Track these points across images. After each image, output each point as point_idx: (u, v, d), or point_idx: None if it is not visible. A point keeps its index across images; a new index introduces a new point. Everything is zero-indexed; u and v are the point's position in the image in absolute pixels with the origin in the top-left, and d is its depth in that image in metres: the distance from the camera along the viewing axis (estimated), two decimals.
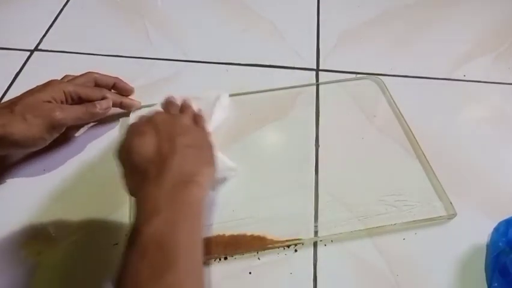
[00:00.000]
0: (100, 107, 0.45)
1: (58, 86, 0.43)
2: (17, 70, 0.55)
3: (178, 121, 0.39)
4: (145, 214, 0.31)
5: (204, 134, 0.41)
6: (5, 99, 0.52)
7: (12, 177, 0.45)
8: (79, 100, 0.44)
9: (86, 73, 0.48)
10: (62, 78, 0.47)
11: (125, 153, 0.36)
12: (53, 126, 0.41)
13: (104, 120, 0.49)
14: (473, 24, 0.61)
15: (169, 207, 0.31)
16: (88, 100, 0.45)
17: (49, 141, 0.43)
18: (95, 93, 0.46)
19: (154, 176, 0.33)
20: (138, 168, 0.34)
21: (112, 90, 0.50)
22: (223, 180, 0.43)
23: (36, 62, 0.56)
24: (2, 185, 0.44)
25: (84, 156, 0.47)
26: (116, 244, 0.40)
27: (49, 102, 0.41)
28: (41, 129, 0.40)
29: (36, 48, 0.58)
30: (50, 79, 0.44)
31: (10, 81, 0.54)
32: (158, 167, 0.34)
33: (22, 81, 0.54)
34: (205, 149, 0.39)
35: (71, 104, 0.44)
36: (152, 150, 0.35)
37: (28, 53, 0.57)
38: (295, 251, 0.40)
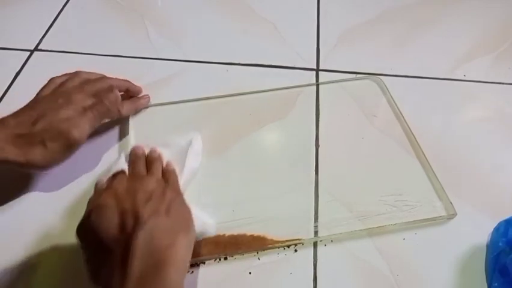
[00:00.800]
0: (108, 101, 0.43)
1: (79, 103, 0.41)
2: (17, 70, 0.55)
3: (143, 185, 0.34)
4: None
5: (175, 195, 0.35)
6: (5, 99, 0.52)
7: (12, 176, 0.45)
8: None
9: (101, 79, 0.46)
10: (74, 74, 0.46)
11: (85, 231, 0.31)
12: (71, 146, 0.40)
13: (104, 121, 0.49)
14: (473, 24, 0.61)
15: None
16: None
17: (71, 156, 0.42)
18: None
19: (119, 263, 0.28)
20: (101, 250, 0.30)
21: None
22: (200, 236, 0.38)
23: (36, 62, 0.56)
24: (2, 184, 0.44)
25: (86, 155, 0.46)
26: None
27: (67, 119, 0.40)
28: (60, 152, 0.40)
29: (36, 48, 0.58)
30: (68, 88, 0.43)
31: (10, 81, 0.54)
32: (123, 249, 0.29)
33: (22, 81, 0.54)
34: (178, 213, 0.34)
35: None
36: (115, 227, 0.30)
37: (28, 53, 0.57)
38: (295, 251, 0.40)
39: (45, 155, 0.39)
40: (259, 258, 0.39)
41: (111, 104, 0.43)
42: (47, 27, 0.61)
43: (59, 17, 0.63)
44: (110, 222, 0.30)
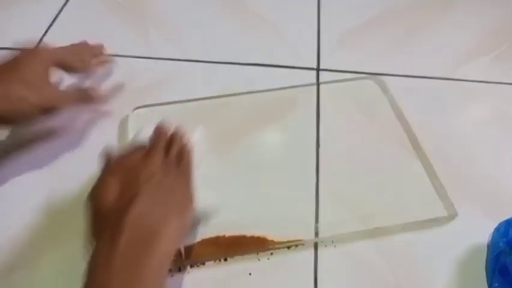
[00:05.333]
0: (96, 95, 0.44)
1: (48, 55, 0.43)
2: None
3: (151, 162, 0.35)
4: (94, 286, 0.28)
5: (180, 179, 0.36)
6: None
7: (13, 176, 0.45)
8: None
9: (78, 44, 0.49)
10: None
11: (90, 196, 0.33)
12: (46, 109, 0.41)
13: (104, 121, 0.49)
14: (473, 24, 0.61)
15: (123, 274, 0.28)
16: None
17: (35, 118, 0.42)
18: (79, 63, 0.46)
19: (110, 232, 0.29)
20: (98, 218, 0.32)
21: None
22: (203, 219, 0.39)
23: None
24: (2, 184, 0.44)
25: (85, 155, 0.47)
26: None
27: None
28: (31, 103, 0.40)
29: None
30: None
31: None
32: (116, 218, 0.30)
33: None
34: (178, 194, 0.34)
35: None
36: (113, 197, 0.32)
37: None
38: (296, 252, 0.40)
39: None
40: (259, 259, 0.39)
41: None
42: (47, 27, 0.61)
43: (59, 17, 0.63)
44: (109, 192, 0.32)
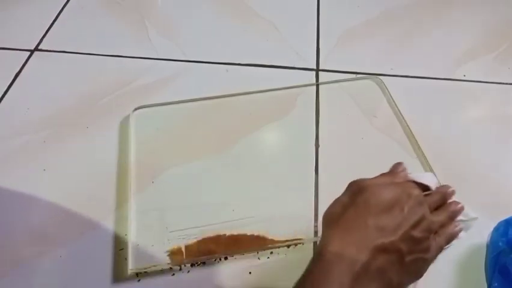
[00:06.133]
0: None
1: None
2: (17, 70, 0.55)
3: (422, 216, 0.30)
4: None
5: (429, 254, 0.31)
6: (5, 99, 0.52)
7: (13, 176, 0.45)
8: None
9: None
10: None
11: (361, 186, 0.32)
12: None
13: (104, 121, 0.50)
14: (473, 24, 0.61)
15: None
16: None
17: None
18: None
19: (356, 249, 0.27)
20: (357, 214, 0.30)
21: None
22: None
23: (36, 62, 0.56)
24: (2, 184, 0.44)
25: (85, 155, 0.47)
26: (122, 250, 0.40)
27: None
28: None
29: (36, 48, 0.58)
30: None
31: (10, 81, 0.54)
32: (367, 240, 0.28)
33: (22, 81, 0.54)
34: (412, 269, 0.30)
35: None
36: (377, 210, 0.29)
37: (28, 53, 0.57)
38: (296, 250, 0.40)
39: None
40: (259, 258, 0.39)
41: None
42: (47, 27, 0.61)
43: (59, 17, 0.63)
44: (382, 200, 0.30)
